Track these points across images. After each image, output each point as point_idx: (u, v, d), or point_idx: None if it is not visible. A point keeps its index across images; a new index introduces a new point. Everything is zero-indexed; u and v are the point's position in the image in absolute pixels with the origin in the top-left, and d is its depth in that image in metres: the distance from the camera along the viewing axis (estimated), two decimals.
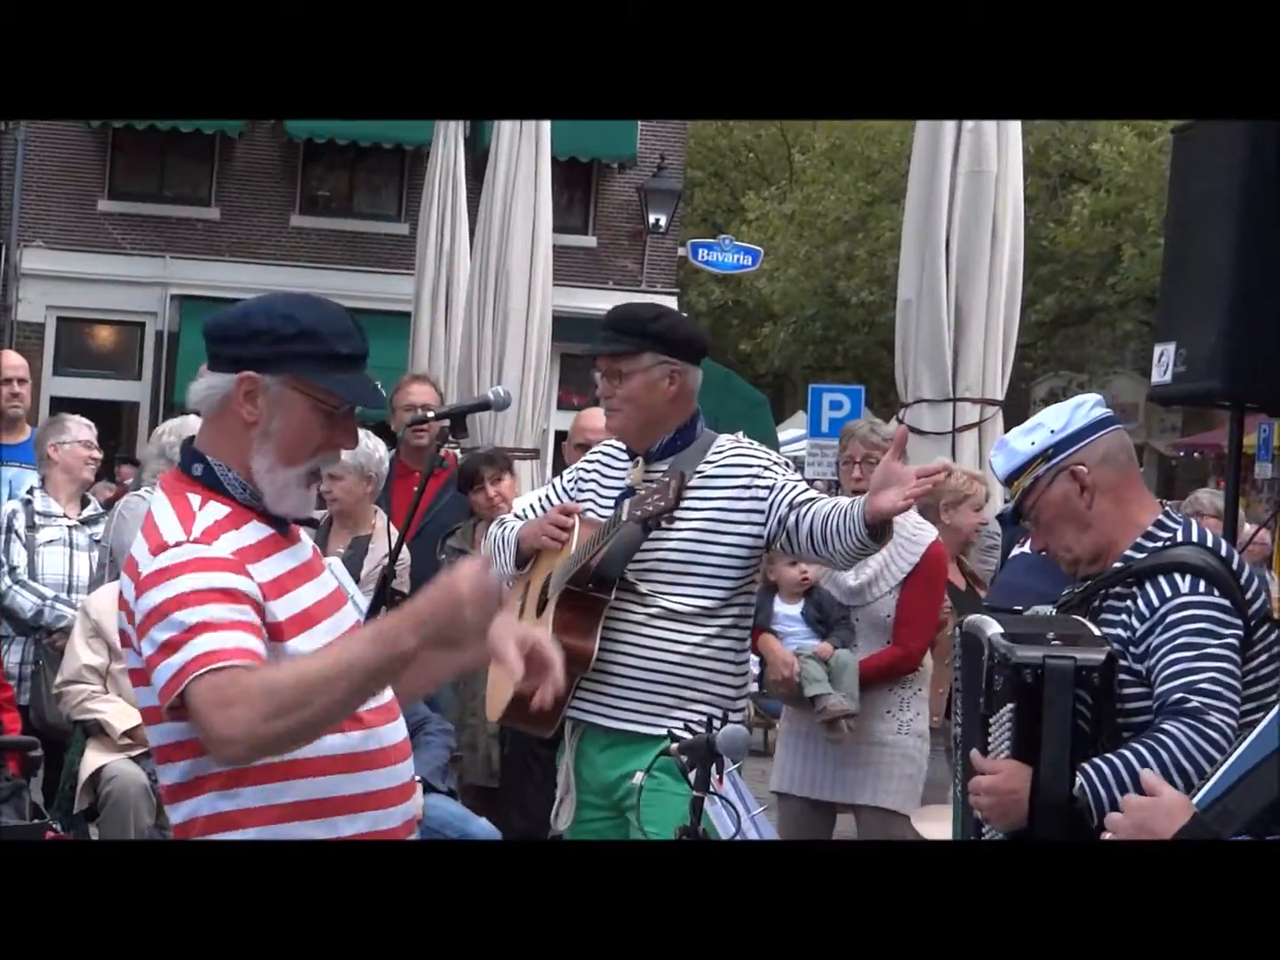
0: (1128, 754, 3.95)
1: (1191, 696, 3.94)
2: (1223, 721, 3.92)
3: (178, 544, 3.37)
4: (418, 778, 7.08)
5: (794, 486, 5.18)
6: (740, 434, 5.47)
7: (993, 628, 4.18)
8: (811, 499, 5.12)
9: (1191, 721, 3.92)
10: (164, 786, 3.50)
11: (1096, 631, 4.09)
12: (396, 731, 3.63)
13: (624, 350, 5.27)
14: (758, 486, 5.19)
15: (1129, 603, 4.11)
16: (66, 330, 26.98)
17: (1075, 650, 4.05)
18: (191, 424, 6.89)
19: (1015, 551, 7.33)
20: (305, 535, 3.71)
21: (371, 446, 7.99)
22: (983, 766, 4.16)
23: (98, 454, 8.57)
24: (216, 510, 3.46)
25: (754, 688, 6.88)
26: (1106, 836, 2.95)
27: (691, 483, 5.16)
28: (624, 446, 5.43)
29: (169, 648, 3.24)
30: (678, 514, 5.05)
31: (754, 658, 6.88)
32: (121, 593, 3.46)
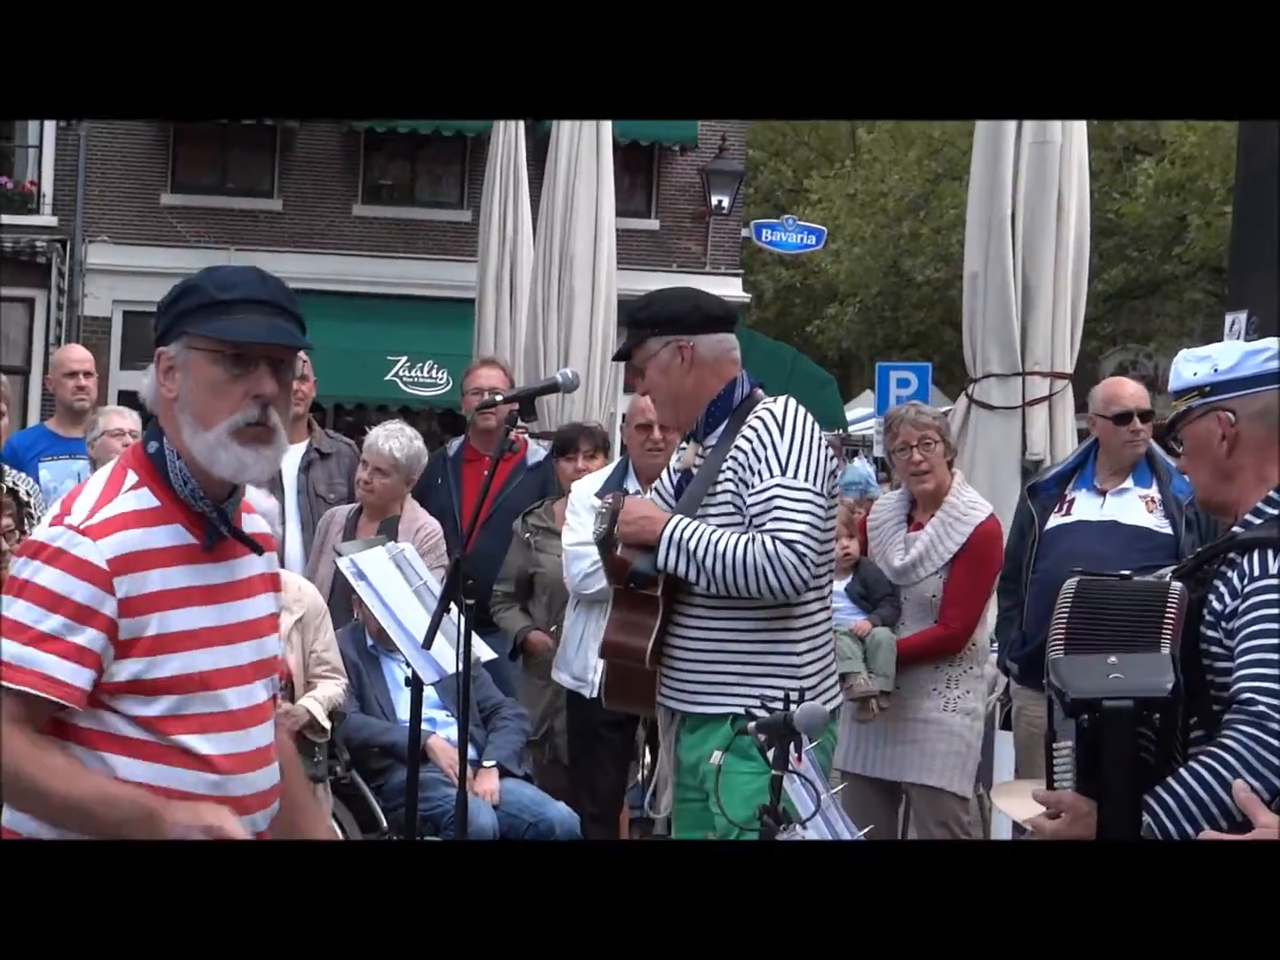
0: (1190, 780, 3.76)
1: (1259, 698, 3.75)
2: None
3: (68, 526, 3.31)
4: (492, 762, 7.11)
5: (761, 498, 5.11)
6: (781, 400, 5.31)
7: (1056, 637, 3.93)
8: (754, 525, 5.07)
9: (1254, 731, 3.73)
10: None
11: (1164, 647, 3.81)
12: (242, 784, 3.48)
13: (632, 345, 5.30)
14: (740, 479, 5.15)
15: (1231, 574, 3.92)
16: (132, 324, 26.98)
17: (1138, 679, 3.78)
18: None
19: (1056, 522, 7.16)
20: (262, 560, 3.58)
21: (419, 448, 7.92)
22: (1047, 801, 3.99)
23: (130, 440, 8.28)
24: (139, 501, 3.39)
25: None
26: None
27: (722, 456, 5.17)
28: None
29: None
30: (712, 493, 5.13)
31: None
32: None
